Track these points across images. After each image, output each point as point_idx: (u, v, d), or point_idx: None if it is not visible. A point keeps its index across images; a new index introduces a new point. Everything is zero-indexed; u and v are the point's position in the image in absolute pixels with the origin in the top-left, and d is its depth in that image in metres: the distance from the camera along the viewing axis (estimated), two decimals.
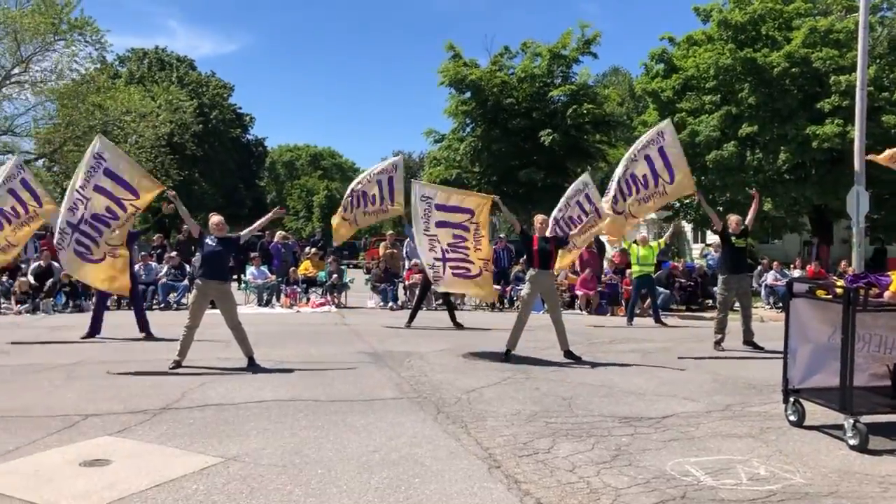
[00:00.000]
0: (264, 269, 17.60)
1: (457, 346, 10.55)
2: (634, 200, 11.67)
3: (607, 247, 19.57)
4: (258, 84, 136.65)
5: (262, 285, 16.93)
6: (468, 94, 29.98)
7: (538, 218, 9.98)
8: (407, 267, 17.74)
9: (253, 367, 8.48)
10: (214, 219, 9.10)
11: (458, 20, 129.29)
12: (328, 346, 9.09)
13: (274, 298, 16.92)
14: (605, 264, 18.09)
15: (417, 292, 14.24)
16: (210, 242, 8.72)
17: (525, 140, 29.39)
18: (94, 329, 11.13)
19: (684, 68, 25.86)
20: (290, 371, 8.39)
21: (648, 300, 15.00)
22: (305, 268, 17.70)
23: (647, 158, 11.37)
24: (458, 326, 12.90)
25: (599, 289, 16.69)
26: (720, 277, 10.84)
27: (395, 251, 18.57)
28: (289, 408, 6.57)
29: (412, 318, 13.21)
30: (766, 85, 22.87)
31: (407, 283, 17.14)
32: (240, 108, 58.24)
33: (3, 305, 14.85)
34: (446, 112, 30.85)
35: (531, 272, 9.67)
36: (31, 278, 15.60)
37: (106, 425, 5.91)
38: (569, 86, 29.45)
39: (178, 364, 8.39)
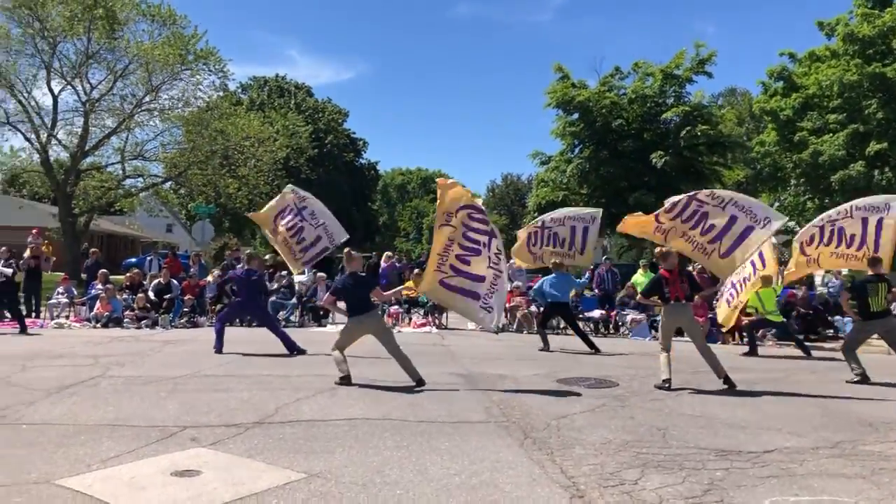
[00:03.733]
0: None
1: (553, 371, 10.37)
2: (830, 252, 11.85)
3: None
4: (372, 109, 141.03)
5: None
6: (576, 116, 29.75)
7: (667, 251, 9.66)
8: (508, 289, 17.63)
9: (420, 386, 8.64)
10: (354, 254, 9.58)
11: (567, 44, 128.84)
12: (424, 367, 9.12)
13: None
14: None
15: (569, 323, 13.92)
16: (349, 281, 9.13)
17: (635, 162, 28.82)
18: (291, 347, 11.56)
19: (805, 86, 24.76)
20: (383, 390, 8.47)
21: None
22: (408, 288, 17.90)
23: (864, 221, 11.37)
24: (596, 350, 12.62)
25: (710, 315, 16.03)
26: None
27: None
28: (376, 427, 6.62)
29: (590, 344, 12.86)
30: None
31: (508, 305, 17.02)
32: (353, 133, 60.07)
33: (125, 320, 15.76)
34: (553, 133, 30.72)
35: (664, 307, 9.40)
36: (151, 294, 16.51)
37: (201, 437, 6.14)
38: (682, 106, 28.73)
39: (345, 380, 8.72)
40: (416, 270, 19.64)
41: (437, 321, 16.97)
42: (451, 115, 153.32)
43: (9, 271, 14.36)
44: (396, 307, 17.29)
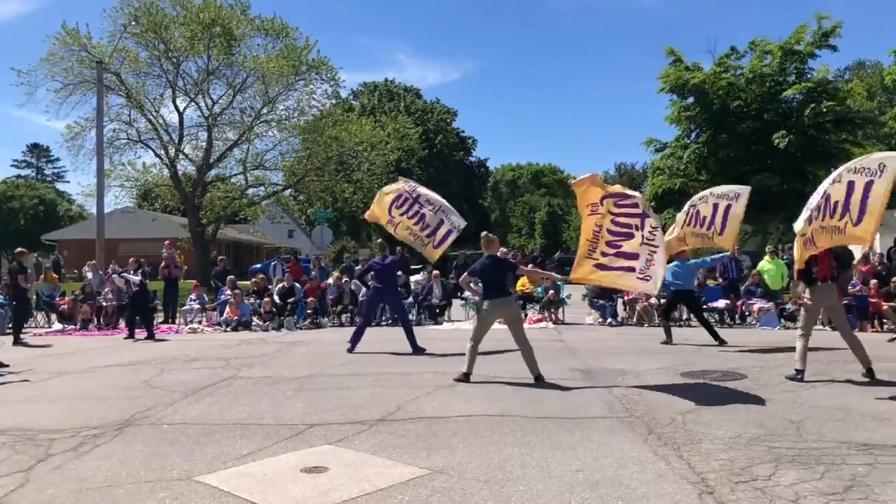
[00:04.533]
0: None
1: (676, 364, 10.05)
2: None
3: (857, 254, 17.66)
4: (480, 107, 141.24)
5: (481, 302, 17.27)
6: (691, 100, 28.76)
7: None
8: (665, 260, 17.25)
9: (541, 382, 8.57)
10: (492, 236, 9.47)
11: (677, 26, 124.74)
12: (542, 363, 9.05)
13: None
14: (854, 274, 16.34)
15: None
16: (488, 262, 9.05)
17: (756, 144, 27.57)
18: (413, 345, 11.80)
19: None
20: (502, 386, 8.46)
21: None
22: (522, 284, 17.81)
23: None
24: (721, 342, 12.19)
25: (844, 301, 15.10)
26: None
27: None
28: (497, 423, 6.61)
29: (715, 336, 12.41)
30: None
31: (626, 298, 16.67)
32: (462, 132, 60.41)
33: (253, 323, 16.48)
34: (667, 119, 29.82)
35: (810, 287, 8.81)
36: (276, 298, 17.18)
37: (327, 434, 6.32)
38: (805, 83, 27.24)
39: (466, 377, 8.73)
40: (529, 266, 19.56)
41: (553, 316, 16.80)
42: (559, 107, 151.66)
43: (136, 278, 15.25)
44: None
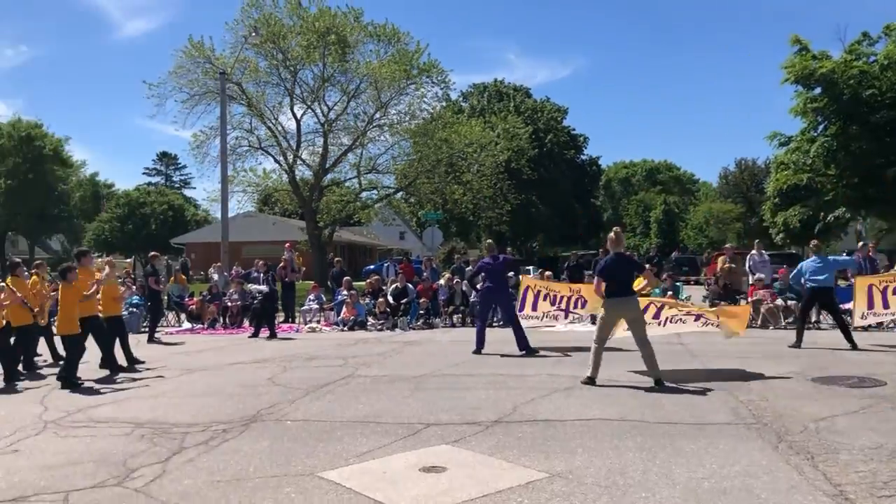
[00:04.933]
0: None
1: (806, 369, 9.52)
2: None
3: None
4: (591, 104, 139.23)
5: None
6: (818, 90, 27.23)
7: None
8: (750, 282, 16.55)
9: (661, 386, 8.34)
10: (620, 235, 9.25)
11: (801, 13, 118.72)
12: (660, 365, 8.79)
13: None
14: None
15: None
16: (613, 260, 8.85)
17: (891, 135, 25.83)
18: (524, 346, 11.69)
19: None
20: (618, 389, 8.27)
21: None
22: (638, 284, 17.34)
23: None
24: (854, 346, 11.51)
25: None
26: None
27: (734, 266, 17.42)
28: (615, 427, 6.46)
29: (850, 339, 11.71)
30: None
31: (750, 299, 15.96)
32: (573, 130, 59.65)
33: (368, 323, 16.85)
34: (793, 111, 28.36)
35: None
36: (390, 298, 17.49)
37: (444, 434, 6.35)
38: None
39: (591, 380, 8.51)
40: (647, 266, 19.06)
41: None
42: (675, 102, 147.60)
43: (264, 288, 15.88)
44: None
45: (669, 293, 16.49)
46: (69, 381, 9.51)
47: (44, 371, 11.17)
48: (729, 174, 70.40)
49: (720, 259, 18.76)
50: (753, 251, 17.71)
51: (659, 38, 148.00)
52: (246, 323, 17.94)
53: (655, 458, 5.47)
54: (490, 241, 14.54)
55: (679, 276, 24.34)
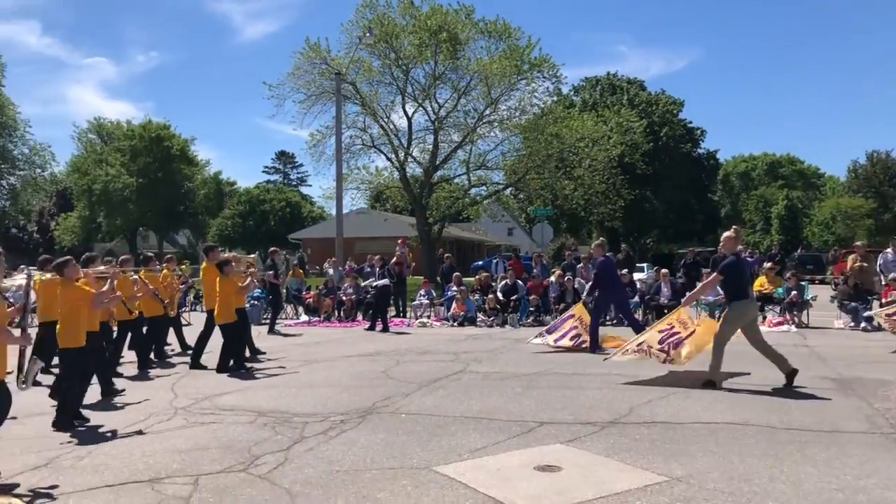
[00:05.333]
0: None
1: None
2: None
3: None
4: (709, 96, 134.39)
5: (714, 303, 16.40)
6: None
7: None
8: (883, 283, 15.52)
9: (790, 381, 8.07)
10: (732, 230, 8.88)
11: None
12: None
13: None
14: None
15: None
16: (734, 260, 8.46)
17: None
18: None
19: None
20: (740, 392, 7.93)
21: None
22: (760, 284, 16.64)
23: None
24: None
25: None
26: None
27: (866, 265, 16.37)
28: (738, 432, 6.20)
29: None
30: None
31: (884, 301, 14.95)
32: (690, 123, 57.73)
33: (478, 319, 16.89)
34: None
35: None
36: (499, 295, 17.46)
37: (558, 433, 6.29)
38: None
39: (711, 383, 8.23)
40: (767, 264, 18.24)
41: (796, 319, 15.50)
42: (798, 92, 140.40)
43: (384, 282, 16.22)
44: None
45: (794, 292, 15.71)
46: (223, 367, 10.21)
47: (173, 360, 11.81)
48: (859, 168, 66.43)
49: (850, 257, 17.68)
50: (888, 249, 16.61)
51: (779, 24, 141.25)
52: (360, 316, 18.36)
53: (782, 465, 5.22)
54: (602, 239, 14.27)
55: (804, 276, 23.10)
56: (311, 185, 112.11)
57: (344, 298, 18.95)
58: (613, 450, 5.73)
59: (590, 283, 12.92)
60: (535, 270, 19.15)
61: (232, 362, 10.35)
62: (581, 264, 18.87)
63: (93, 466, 5.66)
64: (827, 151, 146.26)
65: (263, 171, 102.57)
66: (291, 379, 9.64)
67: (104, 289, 7.75)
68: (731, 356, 8.63)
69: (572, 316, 12.37)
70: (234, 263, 11.64)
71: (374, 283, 16.66)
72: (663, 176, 50.18)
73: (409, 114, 30.97)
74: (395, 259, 19.25)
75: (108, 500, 4.89)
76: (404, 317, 18.80)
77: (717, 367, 8.30)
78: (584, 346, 11.65)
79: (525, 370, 9.78)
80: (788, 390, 7.92)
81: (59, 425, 7.00)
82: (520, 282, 17.88)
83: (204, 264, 12.06)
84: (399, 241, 21.09)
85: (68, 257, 7.75)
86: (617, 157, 31.93)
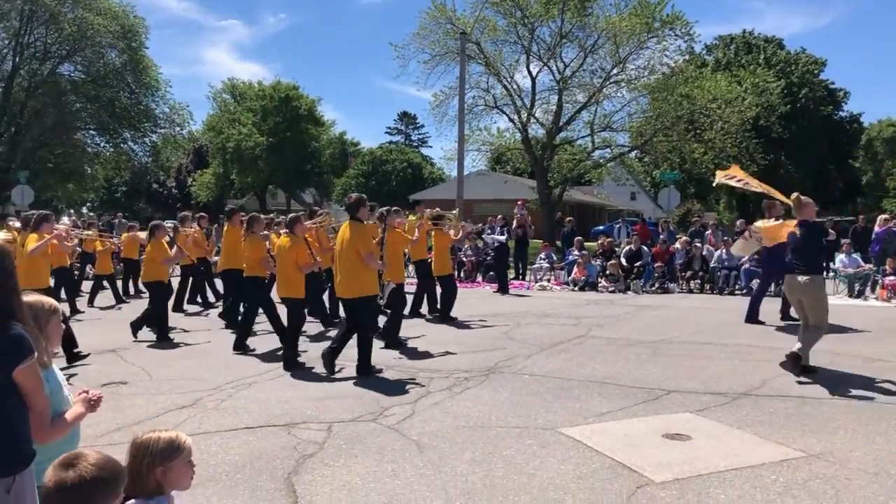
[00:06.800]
0: (856, 256, 16.04)
1: None
2: None
3: None
4: (854, 56, 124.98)
5: (854, 274, 15.45)
6: None
7: None
8: None
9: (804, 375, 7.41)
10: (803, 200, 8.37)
11: None
12: None
13: (868, 290, 15.26)
14: None
15: None
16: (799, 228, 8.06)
17: None
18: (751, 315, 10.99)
19: None
20: (882, 370, 7.46)
21: None
22: None
23: None
24: None
25: None
26: None
27: None
28: (882, 410, 5.87)
29: None
30: None
31: None
32: (832, 84, 54.02)
33: (600, 284, 16.64)
34: None
35: None
36: (623, 260, 17.11)
37: (686, 402, 6.14)
38: None
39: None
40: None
41: None
42: None
43: (503, 238, 16.25)
44: (893, 277, 15.10)
45: None
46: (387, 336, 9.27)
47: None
48: None
49: None
50: None
51: None
52: (479, 277, 18.49)
53: None
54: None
55: None
56: (431, 147, 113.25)
57: (464, 259, 19.11)
58: (746, 422, 5.55)
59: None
60: (661, 236, 18.62)
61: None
62: (710, 231, 18.20)
63: (234, 409, 6.01)
64: None
65: (386, 132, 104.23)
66: (416, 335, 9.82)
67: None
68: (875, 333, 8.12)
69: None
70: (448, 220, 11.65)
71: (493, 237, 16.65)
72: (800, 140, 47.32)
73: (534, 74, 30.59)
74: (515, 221, 19.20)
75: (248, 440, 5.20)
76: (524, 279, 18.77)
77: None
78: None
79: (650, 337, 9.57)
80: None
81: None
82: (644, 247, 17.45)
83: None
84: (519, 203, 20.99)
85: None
86: (751, 119, 30.34)
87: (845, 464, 4.59)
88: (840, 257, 16.05)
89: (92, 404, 2.80)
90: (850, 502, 4.02)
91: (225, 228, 11.61)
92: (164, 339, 9.33)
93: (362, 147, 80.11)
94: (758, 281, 12.66)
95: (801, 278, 7.29)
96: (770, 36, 53.99)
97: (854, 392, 6.50)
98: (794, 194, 8.09)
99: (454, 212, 12.51)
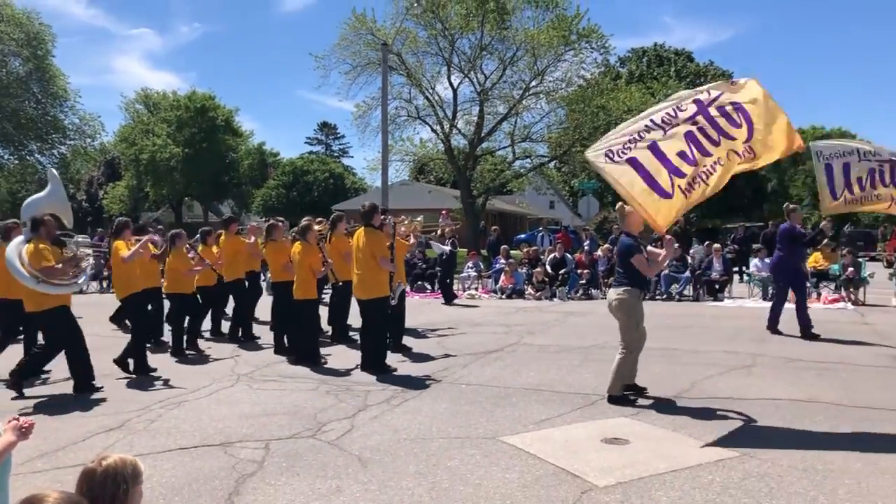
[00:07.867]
0: (769, 260, 16.77)
1: None
2: None
3: None
4: (758, 68, 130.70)
5: (768, 278, 16.14)
6: None
7: None
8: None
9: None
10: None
11: None
12: (846, 348, 8.27)
13: None
14: None
15: None
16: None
17: None
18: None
19: None
20: (802, 369, 7.82)
21: None
22: (815, 260, 16.31)
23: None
24: None
25: None
26: None
27: None
28: (805, 409, 6.13)
29: None
30: None
31: None
32: None
33: (526, 292, 16.86)
34: None
35: None
36: (548, 268, 17.40)
37: (620, 407, 6.27)
38: None
39: None
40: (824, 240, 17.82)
41: (853, 296, 15.17)
42: (859, 68, 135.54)
43: (447, 248, 16.24)
44: None
45: (851, 269, 15.36)
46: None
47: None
48: None
49: None
50: None
51: None
52: (430, 288, 18.25)
53: (856, 443, 5.15)
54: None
55: (858, 252, 22.56)
56: (353, 157, 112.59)
57: (422, 266, 18.92)
58: (679, 424, 5.70)
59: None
60: (585, 244, 19.02)
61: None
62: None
63: (165, 430, 5.81)
64: (884, 122, 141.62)
65: (306, 143, 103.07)
66: (350, 348, 9.72)
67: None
68: (793, 334, 8.50)
69: None
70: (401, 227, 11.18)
71: (440, 247, 16.43)
72: None
73: (455, 85, 30.81)
74: (440, 231, 19.25)
75: (183, 461, 5.02)
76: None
77: None
78: None
79: (580, 343, 9.75)
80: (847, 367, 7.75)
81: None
82: (568, 255, 17.78)
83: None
84: (443, 213, 21.08)
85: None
86: None
87: (777, 461, 4.77)
88: (754, 262, 16.72)
89: (23, 432, 2.67)
90: (784, 498, 4.17)
91: (222, 238, 11.06)
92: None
93: (282, 158, 78.85)
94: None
95: (613, 293, 7.02)
96: (680, 49, 56.13)
97: (776, 391, 6.78)
98: (619, 204, 7.30)
99: (419, 219, 12.38)
